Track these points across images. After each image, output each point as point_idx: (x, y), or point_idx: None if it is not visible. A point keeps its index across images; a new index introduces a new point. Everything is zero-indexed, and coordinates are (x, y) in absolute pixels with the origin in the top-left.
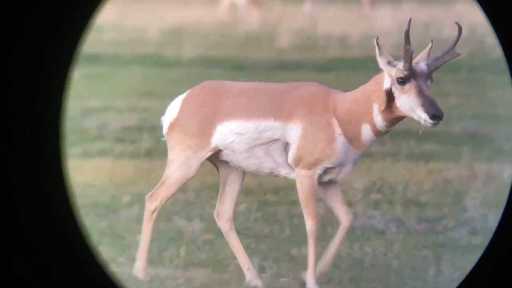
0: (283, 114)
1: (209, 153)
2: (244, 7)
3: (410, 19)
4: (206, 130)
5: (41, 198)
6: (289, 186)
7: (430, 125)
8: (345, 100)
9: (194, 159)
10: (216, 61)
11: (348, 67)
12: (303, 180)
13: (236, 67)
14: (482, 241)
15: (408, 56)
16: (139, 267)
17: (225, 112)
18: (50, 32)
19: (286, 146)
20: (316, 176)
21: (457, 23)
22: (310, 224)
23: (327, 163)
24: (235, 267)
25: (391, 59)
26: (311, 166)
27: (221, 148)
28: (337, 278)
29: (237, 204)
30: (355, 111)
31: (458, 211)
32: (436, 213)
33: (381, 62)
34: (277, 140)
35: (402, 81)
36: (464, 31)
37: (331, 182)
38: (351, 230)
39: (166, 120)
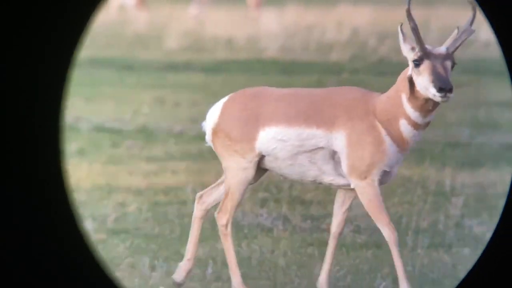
0: (324, 121)
1: (257, 158)
2: (133, 8)
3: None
4: (249, 134)
5: (41, 199)
6: (180, 187)
7: (439, 99)
8: (381, 100)
9: (245, 162)
10: (106, 62)
11: (236, 68)
12: (365, 191)
13: (126, 67)
14: (366, 239)
15: (417, 35)
16: (237, 283)
17: (266, 117)
18: (47, 34)
19: (333, 154)
20: (376, 183)
21: (470, 1)
22: (387, 233)
23: (382, 166)
24: (127, 265)
25: (414, 45)
26: (366, 173)
27: (264, 153)
28: (226, 275)
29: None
30: (390, 108)
31: None
32: (321, 211)
33: (405, 49)
34: (322, 148)
35: (417, 63)
36: (346, 34)
37: (353, 190)
38: (239, 228)
39: (208, 126)
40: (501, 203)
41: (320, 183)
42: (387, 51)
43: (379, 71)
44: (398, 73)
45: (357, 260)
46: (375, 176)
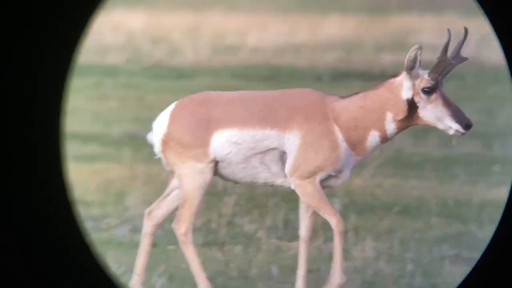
0: (279, 122)
1: (211, 164)
2: None
3: (449, 30)
4: (202, 139)
5: (41, 199)
6: None
7: (460, 134)
8: (349, 108)
9: (201, 166)
10: None
11: None
12: (305, 189)
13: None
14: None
15: (442, 68)
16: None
17: (218, 120)
18: (47, 35)
19: (282, 155)
20: (317, 180)
21: (464, 28)
22: (335, 223)
23: (330, 170)
24: None
25: (418, 70)
26: (310, 174)
27: (218, 159)
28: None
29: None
30: (362, 118)
31: (120, 210)
32: (100, 212)
33: (416, 73)
34: (273, 149)
35: (429, 91)
36: (121, 38)
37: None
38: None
39: (157, 137)
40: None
41: (272, 186)
42: (161, 55)
43: (154, 74)
44: (173, 77)
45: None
46: (318, 177)
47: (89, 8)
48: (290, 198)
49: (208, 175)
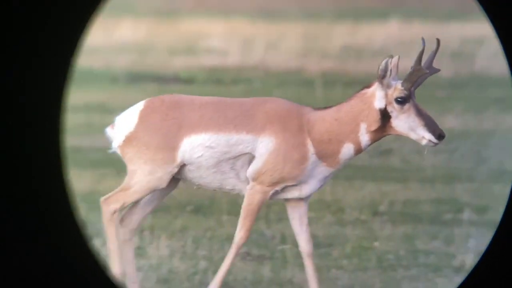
0: (256, 127)
1: (176, 168)
2: None
3: (423, 38)
4: (170, 143)
5: (41, 200)
6: None
7: (433, 144)
8: (324, 119)
9: (161, 171)
10: None
11: None
12: (255, 194)
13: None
14: None
15: (415, 77)
16: (116, 273)
17: (192, 125)
18: (47, 34)
19: (251, 159)
20: (271, 193)
21: (437, 39)
22: (240, 236)
23: (290, 182)
24: None
25: (390, 79)
26: (271, 183)
27: (186, 163)
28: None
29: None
30: (337, 131)
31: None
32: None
33: (387, 82)
34: (245, 154)
35: (402, 101)
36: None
37: (300, 201)
38: None
39: (120, 132)
40: None
41: (238, 192)
42: None
43: None
44: None
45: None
46: (276, 187)
47: (89, 9)
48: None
49: (164, 182)
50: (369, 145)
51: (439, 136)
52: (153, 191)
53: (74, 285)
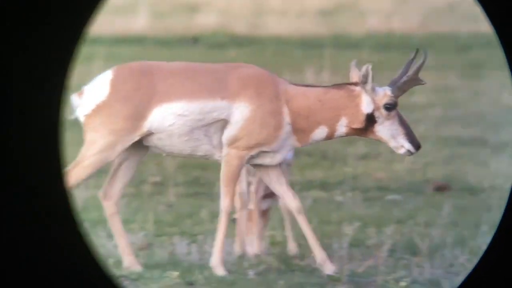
0: (230, 93)
1: (138, 137)
2: None
3: (417, 49)
4: (140, 113)
5: (40, 200)
6: None
7: (409, 154)
8: (306, 96)
9: (120, 143)
10: None
11: None
12: (232, 160)
13: None
14: None
15: (409, 86)
16: None
17: (163, 93)
18: (47, 31)
19: (224, 126)
20: (247, 157)
21: (424, 50)
22: (226, 203)
23: (266, 147)
24: None
25: (374, 84)
26: (248, 148)
27: (155, 131)
28: None
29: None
30: (317, 111)
31: None
32: None
33: (370, 87)
34: (219, 120)
35: (390, 108)
36: None
37: (270, 165)
38: None
39: (89, 101)
40: None
41: (208, 159)
42: None
43: None
44: None
45: None
46: (252, 152)
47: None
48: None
49: (116, 153)
50: (342, 136)
51: (418, 146)
52: (104, 164)
53: (74, 285)
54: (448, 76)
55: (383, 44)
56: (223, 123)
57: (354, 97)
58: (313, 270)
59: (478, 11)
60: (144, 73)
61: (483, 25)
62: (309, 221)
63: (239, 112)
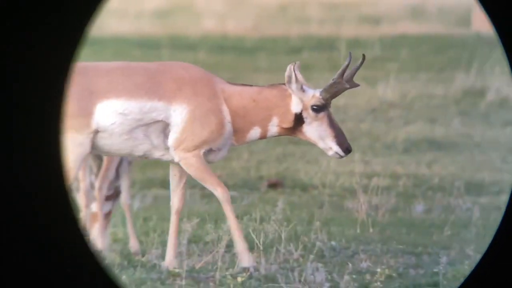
0: (166, 94)
1: (92, 134)
2: None
3: (350, 53)
4: (85, 109)
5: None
6: None
7: (339, 157)
8: (242, 96)
9: (81, 137)
10: None
11: None
12: (189, 161)
13: None
14: None
15: (335, 89)
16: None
17: (102, 90)
18: (48, 31)
19: (165, 128)
20: (201, 153)
21: (363, 54)
22: (220, 193)
23: (213, 145)
24: None
25: (303, 84)
26: (195, 147)
27: (100, 129)
28: None
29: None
30: (251, 111)
31: None
32: None
33: (296, 87)
34: (159, 121)
35: (317, 109)
36: None
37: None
38: None
39: None
40: None
41: (147, 158)
42: None
43: None
44: None
45: None
46: (201, 151)
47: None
48: None
49: (87, 146)
50: (275, 136)
51: (347, 149)
52: (83, 159)
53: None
54: (281, 78)
55: (218, 46)
56: (162, 124)
57: (285, 96)
58: (154, 266)
59: (310, 14)
60: (80, 71)
61: (313, 28)
62: (149, 218)
63: (178, 114)
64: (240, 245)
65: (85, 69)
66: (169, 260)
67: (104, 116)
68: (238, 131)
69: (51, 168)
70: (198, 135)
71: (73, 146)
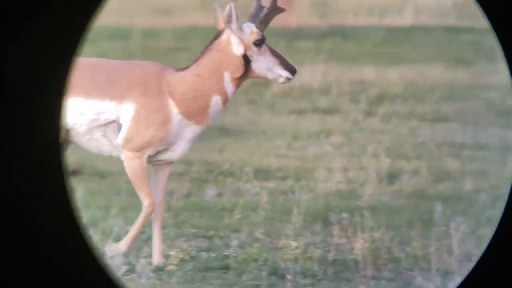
0: (118, 94)
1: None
2: None
3: None
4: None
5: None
6: None
7: (288, 81)
8: (184, 79)
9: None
10: None
11: None
12: (131, 162)
13: None
14: None
15: (271, 18)
16: None
17: (71, 87)
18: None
19: (120, 127)
20: (145, 156)
21: None
22: (146, 205)
23: (158, 145)
24: None
25: (239, 24)
26: (140, 148)
27: (69, 128)
28: None
29: None
30: (200, 86)
31: None
32: None
33: (236, 26)
34: (113, 122)
35: (259, 43)
36: None
37: (165, 165)
38: None
39: None
40: None
41: (118, 159)
42: None
43: None
44: None
45: None
46: (148, 151)
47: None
48: None
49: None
50: (234, 92)
51: (293, 71)
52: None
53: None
54: None
55: None
56: (117, 125)
57: (223, 47)
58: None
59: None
60: None
61: (108, 18)
62: None
63: (125, 114)
64: (123, 246)
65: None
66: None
67: (69, 114)
68: (197, 114)
69: (50, 168)
70: (142, 135)
71: None
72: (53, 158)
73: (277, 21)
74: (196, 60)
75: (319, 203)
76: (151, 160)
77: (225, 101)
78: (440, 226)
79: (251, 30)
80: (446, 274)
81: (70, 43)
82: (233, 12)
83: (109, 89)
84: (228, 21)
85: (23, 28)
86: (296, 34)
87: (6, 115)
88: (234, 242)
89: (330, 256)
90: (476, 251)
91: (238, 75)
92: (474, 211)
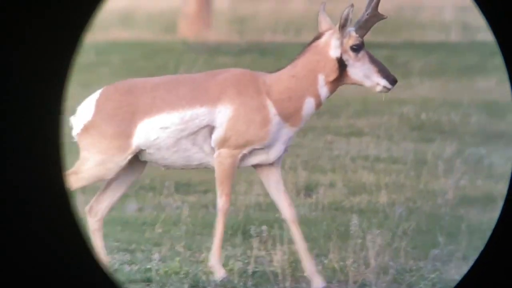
0: (210, 98)
1: (130, 156)
2: None
3: None
4: (125, 131)
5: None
6: None
7: (387, 90)
8: (281, 79)
9: (112, 162)
10: None
11: None
12: (224, 160)
13: None
14: None
15: (372, 24)
16: None
17: (144, 109)
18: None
19: (211, 131)
20: (240, 155)
21: None
22: (222, 202)
23: (257, 144)
24: None
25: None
26: (239, 147)
27: (143, 147)
28: None
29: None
30: (295, 87)
31: None
32: None
33: (347, 30)
34: (204, 127)
35: (357, 49)
36: None
37: (272, 168)
38: None
39: (79, 121)
40: None
41: (206, 167)
42: None
43: None
44: None
45: None
46: (244, 150)
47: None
48: None
49: (113, 171)
50: (328, 97)
51: (393, 81)
52: (100, 180)
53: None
54: None
55: None
56: (210, 129)
57: (321, 50)
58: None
59: None
60: (126, 91)
61: None
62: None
63: (222, 114)
64: (214, 257)
65: (131, 88)
66: None
67: (145, 134)
68: (292, 115)
69: (51, 170)
70: (242, 134)
71: (99, 166)
72: (53, 158)
73: (197, 37)
74: (292, 61)
75: (239, 216)
76: (246, 161)
77: (319, 104)
78: (357, 238)
79: (349, 34)
80: (363, 286)
81: (70, 43)
82: (351, 16)
83: (198, 98)
84: (344, 24)
85: (23, 29)
86: (216, 50)
87: (6, 115)
88: (156, 256)
89: (250, 268)
90: (392, 263)
91: (332, 78)
92: (390, 224)
